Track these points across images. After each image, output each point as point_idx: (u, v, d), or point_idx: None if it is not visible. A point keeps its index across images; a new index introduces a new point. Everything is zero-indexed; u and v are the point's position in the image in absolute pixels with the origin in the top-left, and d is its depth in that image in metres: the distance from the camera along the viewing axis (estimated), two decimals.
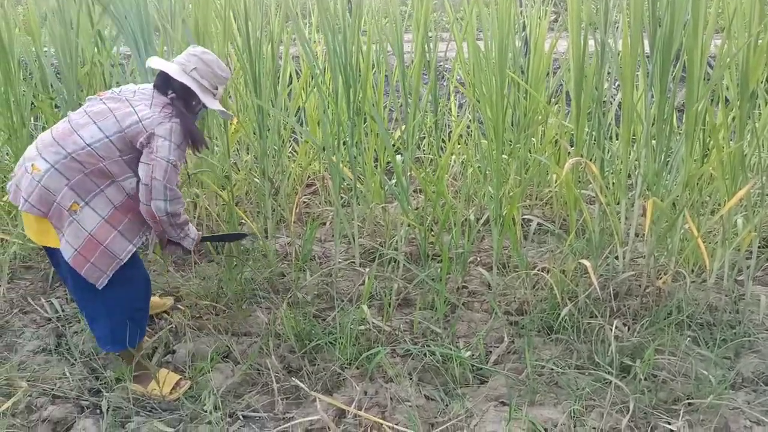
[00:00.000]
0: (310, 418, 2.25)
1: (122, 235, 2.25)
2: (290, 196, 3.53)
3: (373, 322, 2.68)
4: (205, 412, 2.32)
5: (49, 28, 3.26)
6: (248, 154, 3.84)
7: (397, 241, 3.05)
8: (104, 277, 2.24)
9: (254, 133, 3.27)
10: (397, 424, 2.23)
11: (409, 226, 3.07)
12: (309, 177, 4.19)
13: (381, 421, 2.23)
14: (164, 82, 2.32)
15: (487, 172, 2.82)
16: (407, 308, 3.02)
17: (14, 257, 3.43)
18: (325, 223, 3.87)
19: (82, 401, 2.43)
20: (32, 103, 3.56)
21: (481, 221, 3.11)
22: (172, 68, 2.31)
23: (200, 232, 2.57)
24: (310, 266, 3.22)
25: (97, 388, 2.49)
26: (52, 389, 2.46)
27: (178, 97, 2.31)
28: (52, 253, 2.34)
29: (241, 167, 3.87)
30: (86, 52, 3.40)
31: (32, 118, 3.61)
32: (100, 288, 2.25)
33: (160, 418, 2.32)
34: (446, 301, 2.83)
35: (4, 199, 3.47)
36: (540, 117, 3.33)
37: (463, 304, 2.97)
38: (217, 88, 2.40)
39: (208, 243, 3.10)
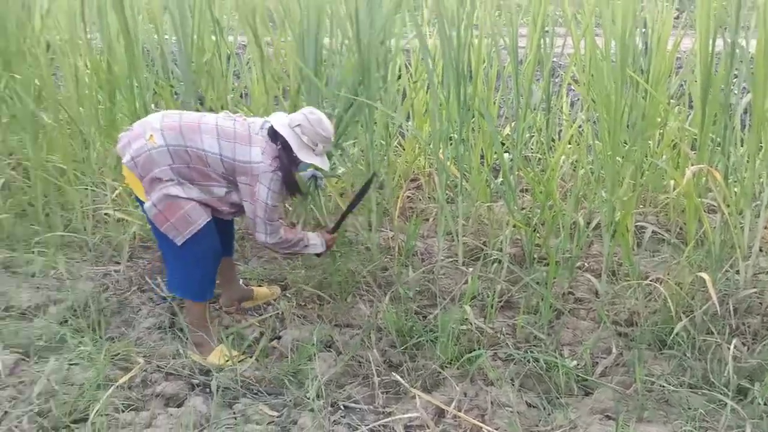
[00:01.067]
0: (409, 415, 2.25)
1: (200, 206, 2.52)
2: (394, 190, 3.54)
3: (475, 323, 2.64)
4: (308, 399, 2.38)
5: (170, 15, 3.43)
6: (354, 146, 3.89)
7: (501, 242, 2.99)
8: (181, 237, 2.50)
9: (361, 126, 3.30)
10: (497, 429, 2.19)
11: (515, 226, 3.00)
12: (414, 172, 4.19)
13: (481, 424, 2.20)
14: (275, 131, 2.55)
15: (600, 175, 2.70)
16: (509, 311, 2.96)
17: (133, 237, 3.66)
18: (428, 220, 3.86)
19: (193, 380, 2.56)
20: (153, 90, 3.76)
21: (591, 226, 2.99)
22: (280, 121, 2.55)
23: (324, 230, 2.83)
24: (412, 262, 3.22)
25: (207, 368, 2.61)
26: (166, 366, 2.60)
27: (284, 147, 2.54)
28: (142, 204, 2.57)
29: (347, 159, 3.92)
30: (205, 41, 3.55)
31: (153, 104, 3.82)
32: (178, 244, 2.51)
33: (265, 401, 2.41)
34: (551, 307, 2.75)
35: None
36: (660, 119, 3.16)
37: (568, 311, 2.87)
38: (317, 145, 2.56)
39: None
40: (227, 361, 2.62)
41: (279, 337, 2.82)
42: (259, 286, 3.19)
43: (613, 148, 2.68)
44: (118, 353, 2.59)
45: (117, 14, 3.39)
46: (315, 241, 2.78)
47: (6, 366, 2.52)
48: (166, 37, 3.86)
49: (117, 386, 2.31)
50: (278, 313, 2.98)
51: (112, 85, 3.75)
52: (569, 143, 3.29)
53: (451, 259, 3.25)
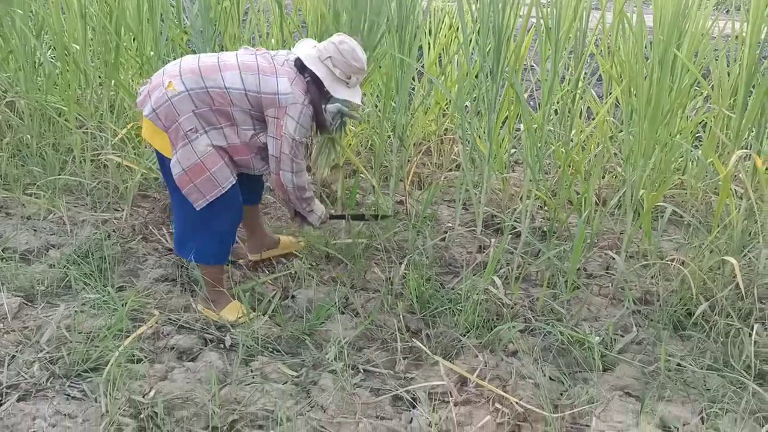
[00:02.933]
0: (434, 383, 2.22)
1: (227, 167, 2.38)
2: (406, 155, 3.46)
3: (495, 294, 2.61)
4: (328, 360, 2.33)
5: None
6: (368, 107, 3.80)
7: (521, 213, 2.95)
8: (203, 200, 2.38)
9: (384, 83, 3.18)
10: (520, 400, 2.17)
11: (536, 198, 2.96)
12: (426, 137, 4.11)
13: (504, 393, 2.18)
14: (302, 63, 2.40)
15: (632, 150, 2.66)
16: (523, 283, 2.93)
17: (136, 185, 3.52)
18: (434, 186, 3.80)
19: (207, 334, 2.48)
20: (167, 37, 3.60)
21: (611, 202, 2.96)
22: (308, 54, 2.40)
23: (330, 210, 2.68)
24: (427, 228, 3.17)
25: (220, 323, 2.54)
26: (179, 319, 2.52)
27: (313, 80, 2.40)
28: (162, 160, 2.45)
29: (362, 118, 3.82)
30: None
31: (167, 51, 3.66)
32: (198, 209, 2.39)
33: (282, 360, 2.35)
34: (568, 282, 2.73)
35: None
36: (684, 100, 3.11)
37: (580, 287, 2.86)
38: (350, 78, 2.43)
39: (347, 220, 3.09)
40: (241, 317, 2.55)
41: (293, 297, 2.76)
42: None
43: (642, 127, 2.63)
44: (128, 303, 2.49)
45: None
46: (319, 209, 2.70)
47: (11, 309, 2.41)
48: None
49: (134, 338, 2.22)
50: (291, 273, 2.90)
51: (120, 26, 3.57)
52: (602, 119, 3.23)
53: (469, 228, 3.20)
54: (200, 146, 2.32)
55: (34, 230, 3.10)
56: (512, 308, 2.62)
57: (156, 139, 2.39)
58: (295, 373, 2.28)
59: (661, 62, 2.54)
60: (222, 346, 2.43)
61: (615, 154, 3.58)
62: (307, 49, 2.43)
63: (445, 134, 4.20)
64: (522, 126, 3.30)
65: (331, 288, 2.78)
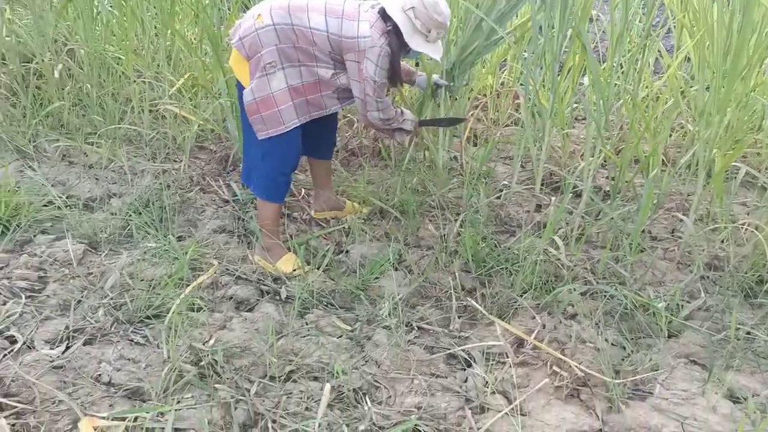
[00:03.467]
0: (490, 343, 2.19)
1: (294, 109, 2.45)
2: (464, 108, 3.36)
3: (555, 255, 2.54)
4: (382, 316, 2.32)
5: None
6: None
7: (582, 171, 2.84)
8: (265, 133, 2.46)
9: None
10: (580, 364, 2.12)
11: (602, 155, 2.83)
12: (481, 90, 3.98)
13: (563, 357, 2.14)
14: (386, 13, 2.39)
15: (706, 106, 2.50)
16: (584, 245, 2.84)
17: (194, 136, 3.54)
18: (489, 141, 3.70)
19: (263, 286, 2.50)
20: None
21: (681, 162, 2.81)
22: (392, 3, 2.39)
23: (415, 117, 2.72)
24: (482, 186, 3.09)
25: (276, 275, 2.56)
26: (236, 270, 2.55)
27: (394, 30, 2.39)
28: (241, 89, 2.51)
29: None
30: None
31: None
32: (259, 139, 2.47)
33: (336, 314, 2.35)
34: (632, 245, 2.62)
35: (186, 76, 3.56)
36: (764, 52, 2.89)
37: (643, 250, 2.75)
38: (430, 31, 2.41)
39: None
40: (296, 270, 2.56)
41: (346, 251, 2.75)
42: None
43: (730, 75, 2.43)
44: (189, 252, 2.53)
45: None
46: (409, 117, 2.70)
47: (76, 256, 2.47)
48: None
49: (194, 287, 2.25)
50: (343, 227, 2.89)
51: None
52: (673, 75, 3.04)
53: (527, 186, 3.10)
54: (274, 82, 2.39)
55: (96, 179, 3.17)
56: (572, 270, 2.55)
57: (237, 68, 2.47)
58: (349, 328, 2.28)
59: (743, 9, 2.34)
60: (278, 297, 2.45)
61: (685, 110, 3.39)
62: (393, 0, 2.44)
63: (501, 88, 4.06)
64: (586, 79, 3.15)
65: (384, 244, 2.76)
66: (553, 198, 2.79)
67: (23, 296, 2.22)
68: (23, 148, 3.27)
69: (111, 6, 4.00)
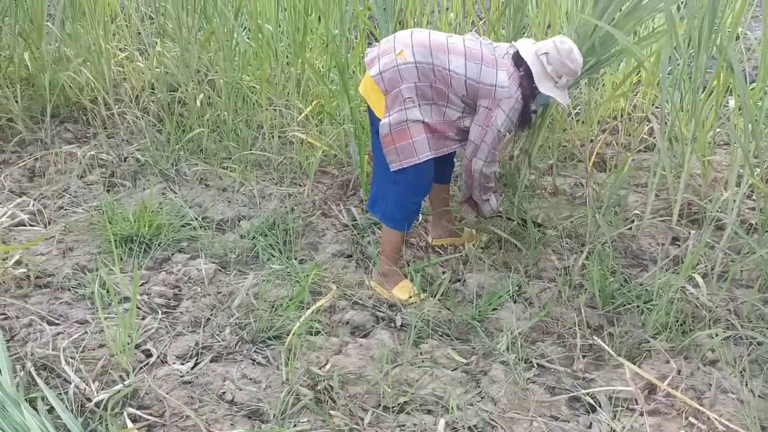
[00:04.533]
0: (617, 387, 2.04)
1: (428, 142, 2.47)
2: (589, 132, 3.21)
3: (693, 293, 2.33)
4: (499, 350, 2.24)
5: None
6: None
7: (725, 202, 2.59)
8: (398, 164, 2.48)
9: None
10: (720, 416, 1.91)
11: (748, 185, 2.57)
12: (612, 113, 3.79)
13: (701, 407, 1.94)
14: (519, 57, 2.44)
15: None
16: (727, 283, 2.59)
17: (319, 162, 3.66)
18: (622, 168, 3.49)
19: (379, 312, 2.51)
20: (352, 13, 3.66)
21: None
22: (527, 48, 2.44)
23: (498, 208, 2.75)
24: (612, 215, 2.92)
25: (392, 302, 2.56)
26: (353, 295, 2.58)
27: (526, 74, 2.43)
28: (373, 120, 2.56)
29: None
30: None
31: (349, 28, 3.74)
32: (391, 170, 2.50)
33: (452, 345, 2.31)
34: None
35: (314, 104, 3.70)
36: None
37: None
38: (561, 77, 2.43)
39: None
40: (411, 297, 2.55)
41: (463, 280, 2.70)
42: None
43: None
44: (310, 276, 2.60)
45: None
46: (494, 203, 2.75)
47: (207, 274, 2.62)
48: None
49: (313, 310, 2.30)
50: (461, 255, 2.84)
51: (309, 5, 3.70)
52: None
53: (662, 217, 2.89)
54: (411, 116, 2.43)
55: (229, 201, 3.35)
56: (713, 311, 2.32)
57: (372, 97, 2.52)
58: (464, 360, 2.23)
59: None
60: (393, 324, 2.45)
61: None
62: (527, 44, 2.48)
63: (633, 111, 3.83)
64: (732, 101, 2.90)
65: (503, 274, 2.68)
66: (692, 231, 2.57)
67: (160, 312, 2.38)
68: (166, 171, 3.54)
69: (248, 38, 4.27)
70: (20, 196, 3.20)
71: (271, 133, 3.78)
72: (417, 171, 2.48)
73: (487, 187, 2.65)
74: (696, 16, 2.45)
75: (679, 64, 2.58)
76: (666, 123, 2.67)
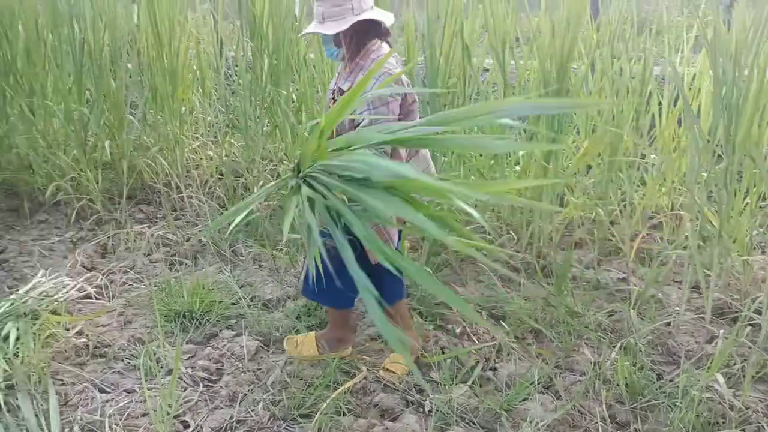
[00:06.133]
0: None
1: None
2: (632, 228, 3.26)
3: (723, 394, 2.30)
4: None
5: (421, 37, 3.55)
6: (587, 177, 3.69)
7: (762, 303, 2.57)
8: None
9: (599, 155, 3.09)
10: None
11: None
12: (654, 210, 3.83)
13: None
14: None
15: None
16: (763, 384, 2.54)
17: None
18: (665, 264, 3.50)
19: (408, 396, 2.58)
20: None
21: None
22: None
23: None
24: (646, 311, 2.93)
25: (421, 386, 2.63)
26: (384, 377, 2.67)
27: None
28: None
29: (578, 190, 3.72)
30: (452, 64, 3.60)
31: None
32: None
33: None
34: None
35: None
36: None
37: None
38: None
39: None
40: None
41: (495, 369, 2.75)
42: None
43: None
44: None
45: None
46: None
47: (249, 351, 2.79)
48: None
49: (341, 391, 2.41)
50: (495, 344, 2.90)
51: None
52: None
53: (697, 315, 2.88)
54: None
55: (278, 282, 3.56)
56: (742, 412, 2.28)
57: None
58: None
59: None
60: (421, 410, 2.51)
61: None
62: None
63: (681, 209, 3.86)
64: None
65: (534, 364, 2.71)
66: (722, 330, 2.55)
67: (201, 385, 2.55)
68: (222, 252, 3.81)
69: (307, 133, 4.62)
70: (90, 271, 3.52)
71: None
72: None
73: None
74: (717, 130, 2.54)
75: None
76: (697, 220, 2.71)
